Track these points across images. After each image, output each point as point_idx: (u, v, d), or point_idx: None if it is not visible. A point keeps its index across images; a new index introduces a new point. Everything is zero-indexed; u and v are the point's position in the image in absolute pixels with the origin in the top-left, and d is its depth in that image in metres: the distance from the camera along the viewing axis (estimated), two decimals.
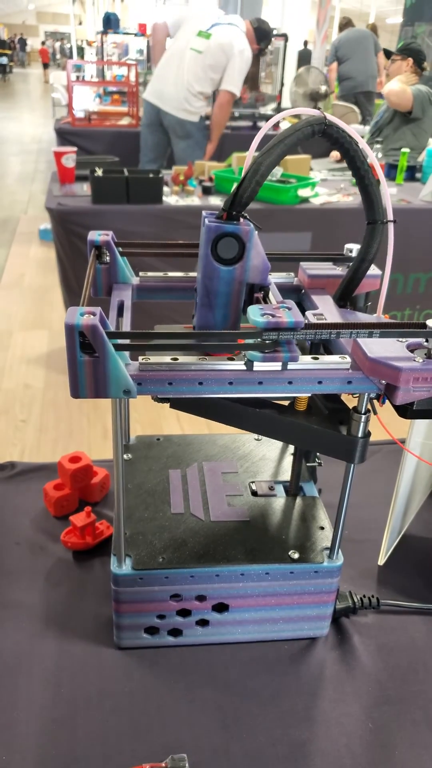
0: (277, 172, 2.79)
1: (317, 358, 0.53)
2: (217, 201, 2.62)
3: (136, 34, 7.29)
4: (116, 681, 0.64)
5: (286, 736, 0.60)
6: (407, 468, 0.75)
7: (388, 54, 3.60)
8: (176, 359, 0.52)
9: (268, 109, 5.14)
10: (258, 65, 5.10)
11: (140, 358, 0.52)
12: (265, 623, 0.68)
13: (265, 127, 0.56)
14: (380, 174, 0.58)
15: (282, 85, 5.05)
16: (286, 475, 0.76)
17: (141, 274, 0.70)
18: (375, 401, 0.56)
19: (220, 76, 3.45)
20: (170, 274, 0.71)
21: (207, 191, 2.69)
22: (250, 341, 0.51)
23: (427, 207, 2.71)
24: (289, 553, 0.65)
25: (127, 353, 0.52)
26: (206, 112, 3.70)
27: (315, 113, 0.55)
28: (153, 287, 0.70)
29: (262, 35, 3.59)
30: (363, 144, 0.57)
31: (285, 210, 2.60)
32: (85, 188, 2.62)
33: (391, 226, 0.61)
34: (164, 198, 2.55)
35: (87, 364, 0.49)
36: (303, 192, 2.66)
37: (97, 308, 0.50)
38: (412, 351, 0.53)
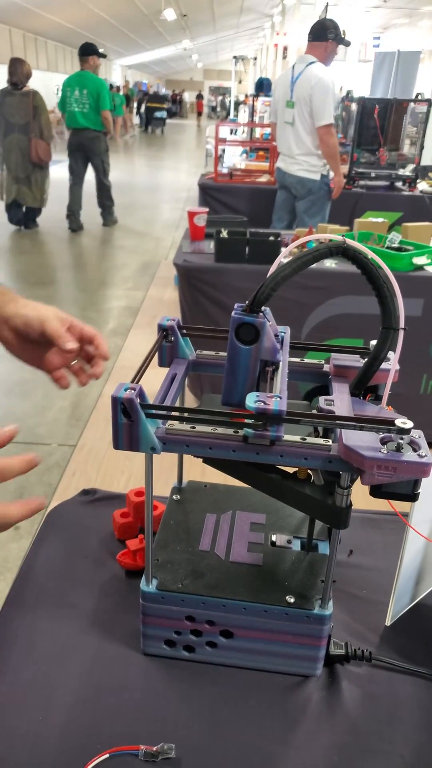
0: (395, 239, 2.88)
1: (305, 439, 0.67)
2: (332, 264, 2.75)
3: None
4: (135, 678, 0.79)
5: (261, 749, 0.71)
6: (410, 538, 0.83)
7: None
8: (194, 428, 0.68)
9: (407, 170, 5.22)
10: (401, 125, 5.23)
11: (167, 423, 0.68)
12: (264, 655, 0.79)
13: (287, 250, 0.72)
14: (396, 287, 0.71)
15: (422, 147, 5.11)
16: (306, 532, 0.88)
17: (197, 351, 0.87)
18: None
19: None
20: (221, 353, 0.87)
21: None
22: (249, 420, 0.65)
23: None
24: (287, 597, 0.77)
25: (159, 420, 0.69)
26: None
27: (338, 239, 0.70)
28: (205, 363, 0.86)
29: (322, 34, 3.70)
30: (378, 260, 0.71)
31: (399, 276, 2.66)
32: (211, 246, 2.88)
33: (400, 332, 0.73)
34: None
35: (125, 426, 0.67)
36: (418, 260, 2.72)
37: (138, 384, 0.67)
38: (384, 443, 0.65)
